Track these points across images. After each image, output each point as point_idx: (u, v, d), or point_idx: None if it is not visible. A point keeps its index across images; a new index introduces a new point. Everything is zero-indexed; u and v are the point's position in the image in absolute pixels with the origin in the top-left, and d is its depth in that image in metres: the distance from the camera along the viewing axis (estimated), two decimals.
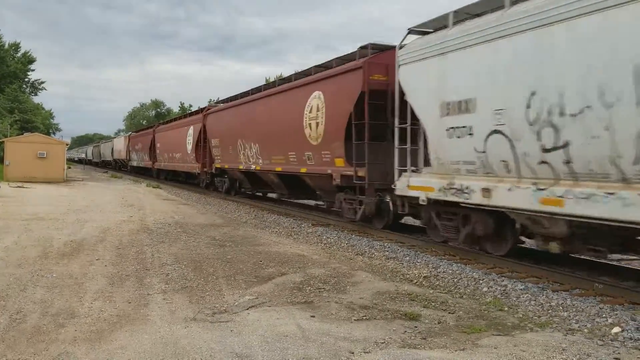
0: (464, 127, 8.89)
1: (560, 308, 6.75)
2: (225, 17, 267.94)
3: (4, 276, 7.57)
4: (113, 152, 57.45)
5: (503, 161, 8.24)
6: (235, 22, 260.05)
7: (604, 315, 6.40)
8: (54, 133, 72.45)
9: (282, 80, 17.98)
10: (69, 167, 43.18)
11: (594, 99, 6.67)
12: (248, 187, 21.57)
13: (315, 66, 15.39)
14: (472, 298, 7.28)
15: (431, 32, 10.18)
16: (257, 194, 22.23)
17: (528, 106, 7.64)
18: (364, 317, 6.13)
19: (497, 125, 8.21)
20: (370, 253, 10.42)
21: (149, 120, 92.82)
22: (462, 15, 9.45)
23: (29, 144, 30.03)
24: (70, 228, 12.32)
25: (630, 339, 5.60)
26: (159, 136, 35.28)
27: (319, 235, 12.62)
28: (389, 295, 7.11)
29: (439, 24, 9.99)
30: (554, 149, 7.31)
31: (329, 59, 14.52)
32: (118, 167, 57.44)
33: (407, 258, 9.88)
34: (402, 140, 10.68)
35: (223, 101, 25.50)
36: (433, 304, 6.79)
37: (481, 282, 8.08)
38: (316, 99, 13.99)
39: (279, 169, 16.59)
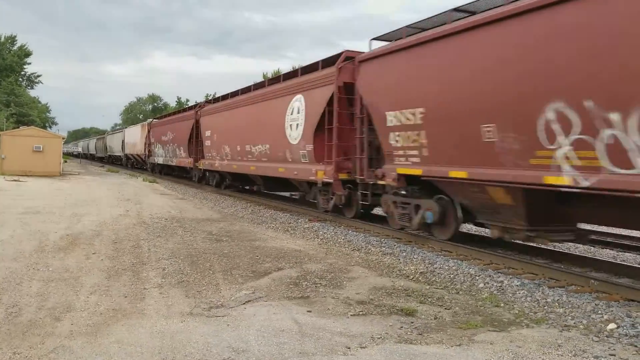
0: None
1: (556, 304, 6.77)
2: (222, 11, 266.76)
3: (0, 270, 7.55)
4: (124, 145, 47.36)
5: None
6: (233, 16, 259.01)
7: (599, 312, 6.42)
8: (50, 127, 72.45)
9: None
10: (65, 161, 43.03)
11: None
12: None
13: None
14: (468, 294, 7.29)
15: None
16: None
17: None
18: (361, 313, 6.14)
19: None
20: (367, 249, 10.43)
21: (146, 115, 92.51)
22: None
23: (25, 138, 29.89)
24: (67, 222, 12.29)
25: (626, 335, 5.62)
26: (208, 121, 23.92)
27: (315, 231, 12.63)
28: (385, 290, 7.12)
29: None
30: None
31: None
32: (132, 165, 47.36)
33: (404, 254, 9.90)
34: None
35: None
36: (429, 299, 6.80)
37: (477, 278, 8.10)
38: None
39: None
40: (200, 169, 25.78)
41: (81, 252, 9.00)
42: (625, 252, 10.49)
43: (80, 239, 10.16)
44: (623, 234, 11.54)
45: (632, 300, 6.83)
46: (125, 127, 54.78)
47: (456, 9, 9.49)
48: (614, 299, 6.92)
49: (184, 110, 31.32)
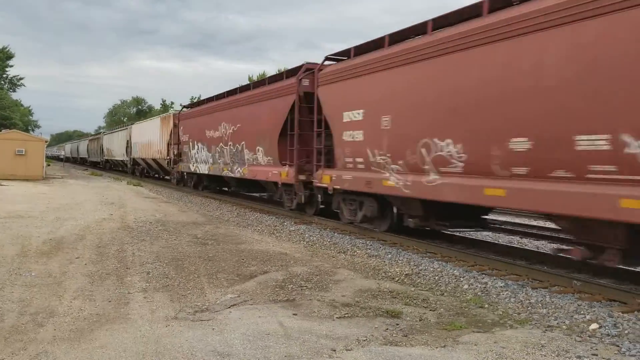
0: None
1: (540, 305, 6.83)
2: (206, 14, 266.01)
3: None
4: (131, 147, 36.95)
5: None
6: (217, 18, 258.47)
7: (582, 312, 6.49)
8: (32, 130, 71.51)
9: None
10: (49, 165, 42.56)
11: None
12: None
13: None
14: (453, 295, 7.34)
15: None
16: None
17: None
18: (346, 315, 6.15)
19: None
20: (353, 251, 10.45)
21: (130, 117, 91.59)
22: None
23: (7, 141, 29.53)
24: (50, 226, 12.16)
25: (608, 335, 5.69)
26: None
27: (301, 234, 12.62)
28: (370, 293, 7.14)
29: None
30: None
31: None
32: (143, 173, 37.47)
33: (389, 256, 9.93)
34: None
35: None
36: (414, 301, 6.83)
37: (462, 279, 8.15)
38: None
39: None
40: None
41: (64, 257, 8.91)
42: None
43: (64, 244, 10.06)
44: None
45: (614, 301, 6.91)
46: (132, 124, 42.64)
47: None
48: (597, 299, 7.00)
49: (275, 79, 17.30)
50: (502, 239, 12.26)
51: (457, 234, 11.75)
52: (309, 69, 14.08)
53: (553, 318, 6.31)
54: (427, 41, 9.54)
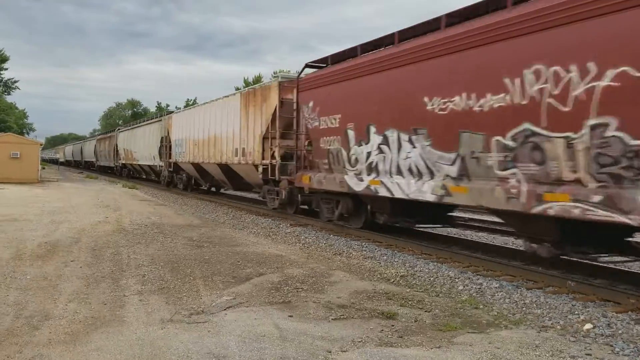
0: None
1: (534, 305, 6.86)
2: (201, 16, 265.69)
3: None
4: (170, 147, 26.56)
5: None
6: (212, 21, 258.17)
7: (576, 312, 6.53)
8: (27, 133, 71.29)
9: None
10: (44, 168, 42.44)
11: None
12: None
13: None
14: (448, 296, 7.36)
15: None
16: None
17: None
18: (342, 317, 6.16)
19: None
20: (348, 253, 10.47)
21: (125, 120, 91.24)
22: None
23: (1, 144, 29.45)
24: (45, 229, 12.14)
25: (602, 335, 5.73)
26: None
27: (297, 236, 12.64)
28: (366, 294, 7.16)
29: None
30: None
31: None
32: (193, 186, 26.00)
33: (385, 257, 9.95)
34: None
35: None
36: (410, 302, 6.85)
37: (457, 280, 8.18)
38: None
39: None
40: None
41: (59, 260, 8.90)
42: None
43: (59, 247, 10.04)
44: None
45: (608, 301, 6.95)
46: (174, 112, 29.70)
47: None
48: (591, 299, 7.04)
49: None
50: (498, 239, 12.31)
51: (453, 234, 11.84)
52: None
53: (547, 318, 6.35)
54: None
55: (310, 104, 13.30)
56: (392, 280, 8.24)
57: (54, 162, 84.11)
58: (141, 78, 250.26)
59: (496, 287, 7.71)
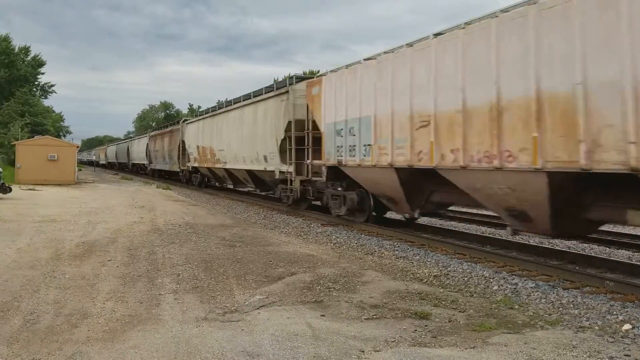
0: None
1: (571, 306, 6.73)
2: (231, 18, 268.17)
3: (18, 277, 7.66)
4: (334, 142, 13.59)
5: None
6: (242, 22, 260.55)
7: (614, 313, 6.38)
8: (64, 136, 72.96)
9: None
10: (80, 170, 43.36)
11: None
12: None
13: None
14: (482, 296, 7.28)
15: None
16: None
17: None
18: (374, 316, 6.15)
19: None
20: (380, 252, 10.43)
21: (159, 122, 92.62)
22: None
23: (39, 147, 30.25)
24: (82, 230, 12.42)
25: None
26: None
27: (328, 235, 12.65)
28: (399, 294, 7.13)
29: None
30: None
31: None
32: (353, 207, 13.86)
33: (417, 257, 9.89)
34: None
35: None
36: (443, 302, 6.80)
37: (492, 280, 8.07)
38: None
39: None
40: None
41: (97, 259, 9.09)
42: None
43: (96, 247, 10.27)
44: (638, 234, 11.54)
45: None
46: (323, 74, 15.30)
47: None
48: (629, 299, 6.87)
49: None
50: (533, 239, 12.10)
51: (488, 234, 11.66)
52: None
53: (585, 319, 6.22)
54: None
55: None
56: (425, 280, 8.19)
57: (90, 164, 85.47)
58: (172, 80, 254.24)
59: (532, 287, 7.59)
